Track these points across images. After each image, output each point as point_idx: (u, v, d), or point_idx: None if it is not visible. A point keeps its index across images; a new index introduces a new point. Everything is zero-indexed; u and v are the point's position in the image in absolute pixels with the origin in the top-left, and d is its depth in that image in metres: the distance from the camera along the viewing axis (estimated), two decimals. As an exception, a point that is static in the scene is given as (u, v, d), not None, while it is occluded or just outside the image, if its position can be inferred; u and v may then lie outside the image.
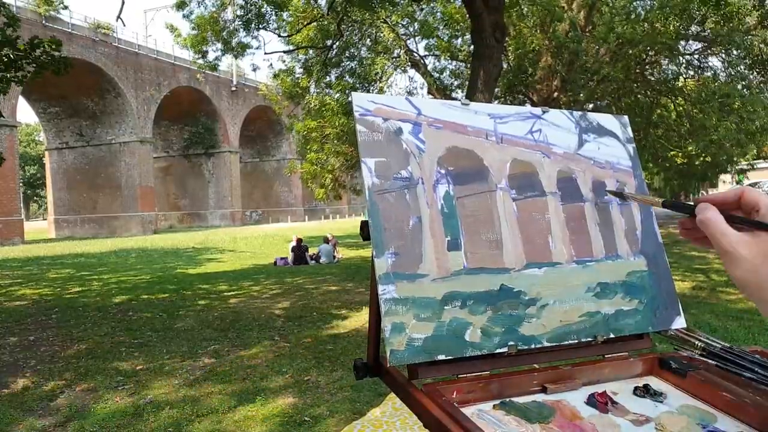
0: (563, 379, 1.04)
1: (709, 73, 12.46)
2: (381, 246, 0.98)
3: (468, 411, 0.92)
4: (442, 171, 1.08)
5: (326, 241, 14.09)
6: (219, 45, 12.26)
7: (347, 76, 13.79)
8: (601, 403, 0.98)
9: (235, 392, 4.11)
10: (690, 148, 15.02)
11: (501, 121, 1.18)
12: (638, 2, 12.37)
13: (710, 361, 1.08)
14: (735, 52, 10.91)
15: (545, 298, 1.08)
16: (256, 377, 4.44)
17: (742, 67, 11.68)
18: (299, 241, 13.47)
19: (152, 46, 37.40)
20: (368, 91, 12.56)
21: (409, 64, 13.55)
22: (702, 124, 11.90)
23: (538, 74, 12.28)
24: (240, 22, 11.79)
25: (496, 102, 11.87)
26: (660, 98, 13.40)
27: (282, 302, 7.88)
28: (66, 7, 30.48)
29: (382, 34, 13.27)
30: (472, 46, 8.37)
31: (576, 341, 1.10)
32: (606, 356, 1.12)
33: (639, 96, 13.29)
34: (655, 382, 1.08)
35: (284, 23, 12.86)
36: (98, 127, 34.75)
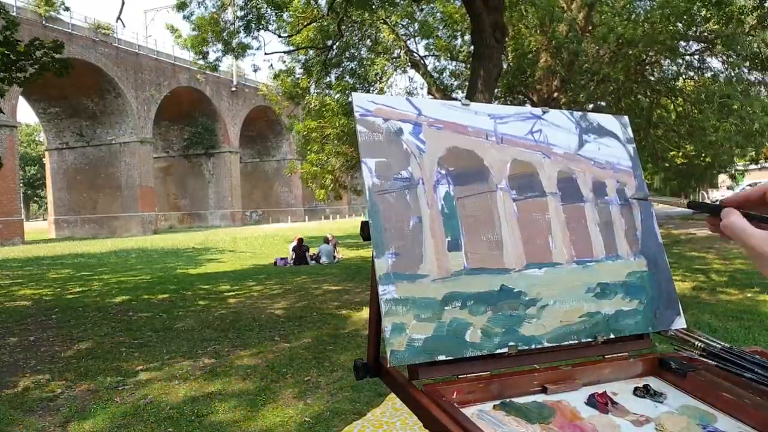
0: (563, 380, 1.05)
1: (709, 74, 12.46)
2: (381, 246, 0.98)
3: (468, 411, 0.92)
4: (443, 171, 1.08)
5: (326, 241, 14.09)
6: (219, 46, 12.26)
7: (347, 77, 13.79)
8: (601, 403, 0.98)
9: (235, 392, 4.11)
10: (690, 148, 15.03)
11: (501, 121, 1.18)
12: (638, 2, 12.38)
13: (710, 361, 1.08)
14: (734, 56, 10.91)
15: (545, 299, 1.08)
16: (257, 377, 4.44)
17: (742, 68, 11.68)
18: (300, 241, 13.47)
19: (152, 46, 37.43)
20: (368, 92, 12.56)
21: (409, 64, 13.55)
22: (700, 126, 11.91)
23: (537, 74, 12.28)
24: (241, 23, 11.79)
25: (496, 102, 11.87)
26: (660, 99, 13.40)
27: (282, 302, 7.88)
28: (67, 9, 30.51)
29: (382, 35, 13.27)
30: (472, 47, 8.37)
31: (576, 341, 1.10)
32: (606, 356, 1.12)
33: (639, 96, 13.29)
34: (655, 383, 1.08)
35: (284, 24, 12.86)
36: (98, 127, 34.76)
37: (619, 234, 1.20)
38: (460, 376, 0.99)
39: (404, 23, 13.56)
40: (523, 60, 12.14)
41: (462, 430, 0.82)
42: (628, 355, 1.14)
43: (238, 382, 4.36)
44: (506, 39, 8.77)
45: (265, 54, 21.95)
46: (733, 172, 28.39)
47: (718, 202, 0.69)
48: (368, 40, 13.67)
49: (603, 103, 13.73)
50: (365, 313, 6.55)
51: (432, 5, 13.43)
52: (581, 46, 10.77)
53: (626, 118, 1.35)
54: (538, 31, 11.82)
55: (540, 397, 1.01)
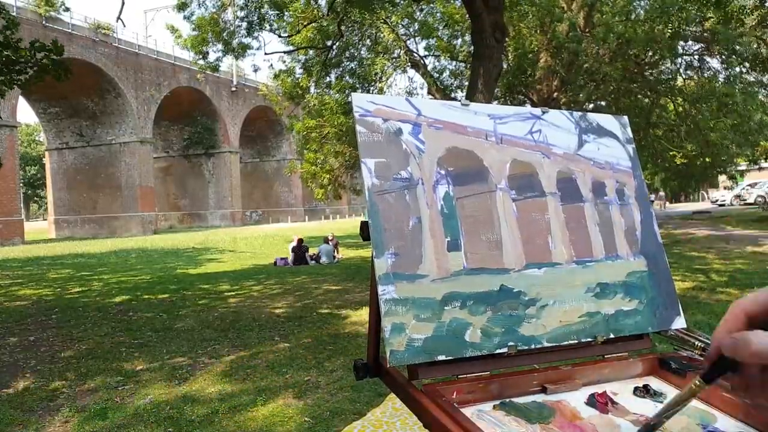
0: (563, 380, 1.05)
1: (708, 74, 12.47)
2: (381, 246, 0.98)
3: (468, 411, 0.92)
4: (442, 171, 1.08)
5: (326, 241, 14.09)
6: (219, 46, 12.26)
7: (347, 77, 13.80)
8: (601, 403, 0.98)
9: (235, 393, 4.11)
10: (690, 148, 15.03)
11: (501, 121, 1.18)
12: (638, 2, 12.38)
13: (710, 361, 1.08)
14: (733, 57, 10.92)
15: (545, 299, 1.08)
16: (256, 377, 4.44)
17: (740, 68, 11.69)
18: (300, 241, 13.47)
19: (152, 46, 37.43)
20: (368, 92, 12.57)
21: (409, 64, 13.55)
22: (698, 125, 11.92)
23: (537, 74, 12.28)
24: (241, 22, 11.78)
25: (496, 102, 11.87)
26: (659, 98, 13.41)
27: (282, 302, 7.88)
28: (67, 9, 30.51)
29: (382, 35, 13.27)
30: (472, 47, 8.37)
31: (576, 341, 1.10)
32: (606, 356, 1.12)
33: (639, 96, 13.29)
34: (655, 383, 1.08)
35: (284, 24, 12.86)
36: (98, 127, 34.76)
37: (619, 234, 1.20)
38: (459, 376, 0.99)
39: (404, 23, 13.56)
40: (523, 60, 12.15)
41: (462, 430, 0.82)
42: (628, 355, 1.14)
43: (238, 382, 4.36)
44: (506, 39, 8.77)
45: (265, 54, 21.97)
46: (732, 172, 28.39)
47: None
48: (368, 40, 13.68)
49: (603, 103, 13.74)
50: (365, 313, 6.54)
51: (432, 5, 13.44)
52: (581, 46, 10.77)
53: (626, 118, 1.35)
54: (538, 31, 11.82)
55: (540, 397, 1.01)
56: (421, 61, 13.69)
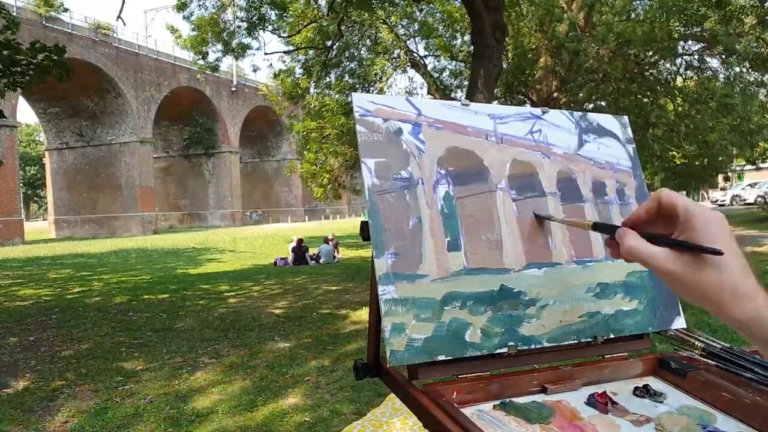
0: (563, 380, 1.05)
1: (707, 74, 12.47)
2: (381, 246, 0.98)
3: (468, 411, 0.92)
4: (442, 171, 1.08)
5: (326, 241, 14.09)
6: (219, 46, 12.26)
7: (347, 77, 13.79)
8: (601, 403, 0.98)
9: (235, 393, 4.11)
10: (689, 148, 15.03)
11: (501, 121, 1.18)
12: (638, 2, 12.38)
13: (710, 361, 1.08)
14: (733, 57, 10.91)
15: (545, 299, 1.08)
16: (256, 377, 4.44)
17: (741, 68, 11.68)
18: (300, 241, 13.48)
19: (152, 46, 37.42)
20: (368, 92, 12.56)
21: (409, 64, 13.55)
22: (698, 125, 11.92)
23: (537, 74, 12.28)
24: (241, 22, 11.78)
25: (496, 102, 11.86)
26: (659, 98, 13.40)
27: (282, 302, 7.88)
28: (66, 10, 30.49)
29: (381, 35, 13.27)
30: (472, 47, 8.37)
31: (576, 341, 1.10)
32: (606, 356, 1.12)
33: (638, 96, 13.29)
34: (655, 383, 1.08)
35: (284, 24, 12.86)
36: (98, 127, 34.76)
37: (619, 234, 1.20)
38: (459, 376, 0.99)
39: (404, 23, 13.56)
40: (523, 60, 12.14)
41: (462, 430, 0.82)
42: (628, 355, 1.14)
43: (238, 382, 4.36)
44: (506, 39, 8.77)
45: (265, 54, 21.95)
46: (728, 173, 28.37)
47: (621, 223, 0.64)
48: (368, 40, 13.67)
49: (603, 103, 13.73)
50: (365, 313, 6.54)
51: (432, 5, 13.43)
52: (581, 45, 10.77)
53: (626, 118, 1.35)
54: (538, 31, 11.82)
55: (540, 397, 1.01)
56: (421, 61, 13.69)
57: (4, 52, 7.40)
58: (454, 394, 0.96)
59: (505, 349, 1.02)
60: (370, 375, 1.12)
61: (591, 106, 13.62)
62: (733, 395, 0.95)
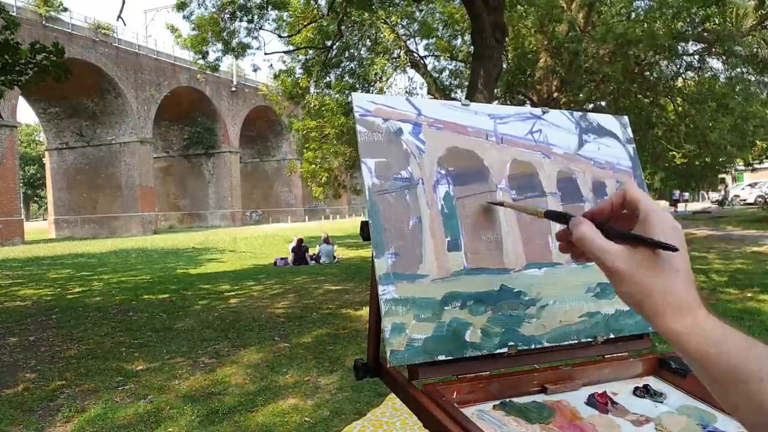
0: (563, 380, 1.05)
1: (708, 74, 12.46)
2: (381, 246, 0.98)
3: (468, 411, 0.92)
4: (443, 171, 1.08)
5: (326, 241, 14.09)
6: (219, 45, 12.25)
7: (347, 77, 13.78)
8: (601, 403, 0.98)
9: (235, 393, 4.11)
10: (690, 148, 15.03)
11: (501, 121, 1.18)
12: (638, 2, 12.38)
13: (710, 361, 1.08)
14: (734, 57, 10.90)
15: (545, 299, 1.08)
16: (256, 377, 4.44)
17: (742, 68, 11.67)
18: (300, 241, 13.47)
19: (152, 46, 37.41)
20: (368, 92, 12.55)
21: (409, 64, 13.54)
22: (697, 126, 11.91)
23: (537, 74, 12.27)
24: (241, 22, 11.77)
25: (496, 102, 11.86)
26: (659, 98, 13.40)
27: (282, 302, 7.88)
28: (66, 10, 30.47)
29: (381, 35, 13.26)
30: (472, 47, 8.37)
31: (576, 341, 1.10)
32: (606, 356, 1.12)
33: (638, 96, 13.28)
34: (655, 383, 1.08)
35: (284, 24, 12.86)
36: (98, 127, 34.76)
37: (619, 234, 1.20)
38: (459, 376, 0.99)
39: (404, 23, 13.55)
40: (523, 60, 12.14)
41: (462, 430, 0.82)
42: (628, 355, 1.14)
43: (238, 382, 4.36)
44: (506, 39, 8.76)
45: (265, 54, 21.96)
46: (726, 173, 28.36)
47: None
48: (368, 40, 13.66)
49: (603, 103, 13.73)
50: (365, 313, 6.54)
51: (432, 5, 13.43)
52: (581, 46, 10.76)
53: (626, 118, 1.35)
54: (538, 31, 11.82)
55: (540, 397, 1.01)
56: (421, 61, 13.68)
57: (4, 54, 7.39)
58: (454, 394, 0.97)
59: (505, 349, 1.02)
60: (370, 375, 1.12)
61: (591, 106, 13.61)
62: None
